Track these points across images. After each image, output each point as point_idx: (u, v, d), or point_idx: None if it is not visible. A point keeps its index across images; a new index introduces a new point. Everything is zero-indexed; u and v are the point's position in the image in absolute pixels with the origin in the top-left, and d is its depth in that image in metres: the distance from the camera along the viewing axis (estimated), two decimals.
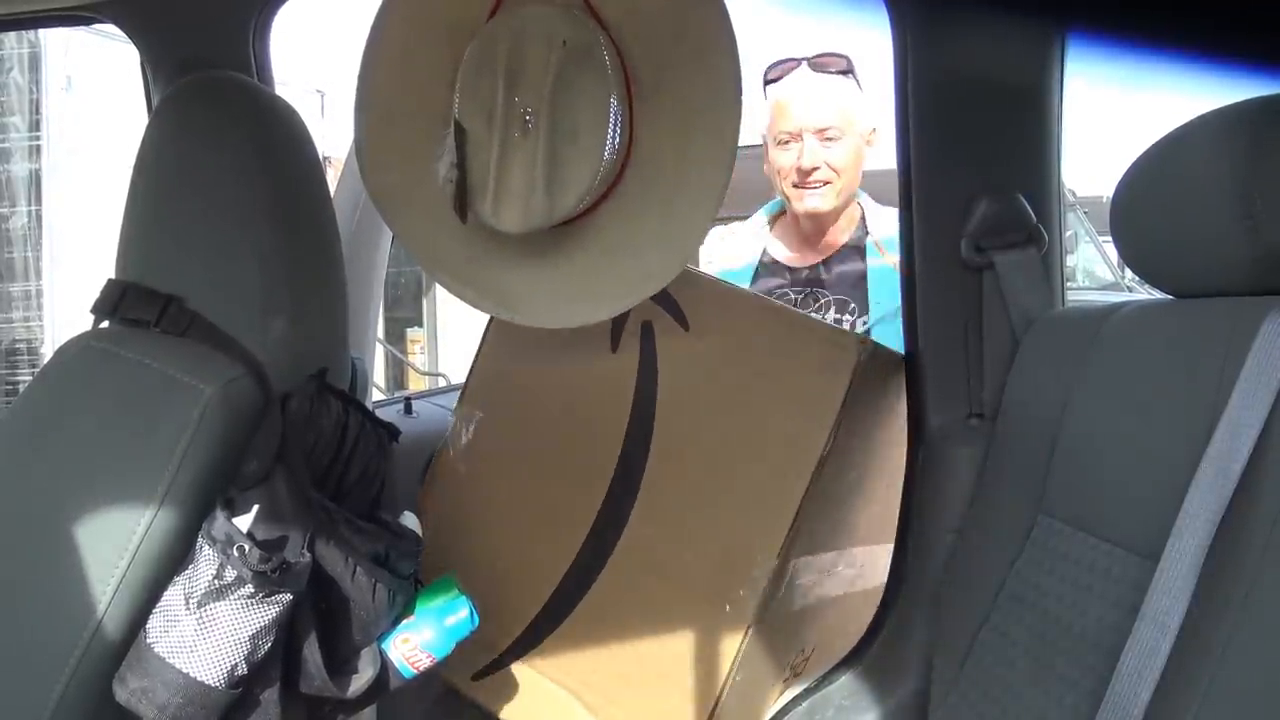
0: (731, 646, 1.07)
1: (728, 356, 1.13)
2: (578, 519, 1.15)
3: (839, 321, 1.61)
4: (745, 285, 1.63)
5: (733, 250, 1.73)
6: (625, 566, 1.12)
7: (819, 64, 1.61)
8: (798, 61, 1.62)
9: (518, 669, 1.16)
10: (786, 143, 1.61)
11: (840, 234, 1.66)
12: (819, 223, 1.64)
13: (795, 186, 1.61)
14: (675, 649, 1.10)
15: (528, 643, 1.16)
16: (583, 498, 1.15)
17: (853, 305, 1.63)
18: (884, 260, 1.61)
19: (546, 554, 1.16)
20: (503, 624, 1.15)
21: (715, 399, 1.13)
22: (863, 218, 1.66)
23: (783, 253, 1.70)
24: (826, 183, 1.60)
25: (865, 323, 1.61)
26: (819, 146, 1.58)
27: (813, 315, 1.54)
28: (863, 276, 1.64)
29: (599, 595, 1.13)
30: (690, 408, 1.13)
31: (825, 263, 1.66)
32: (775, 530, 1.06)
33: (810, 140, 1.58)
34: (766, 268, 1.70)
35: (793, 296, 1.65)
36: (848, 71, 1.61)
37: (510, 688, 1.16)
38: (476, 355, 1.25)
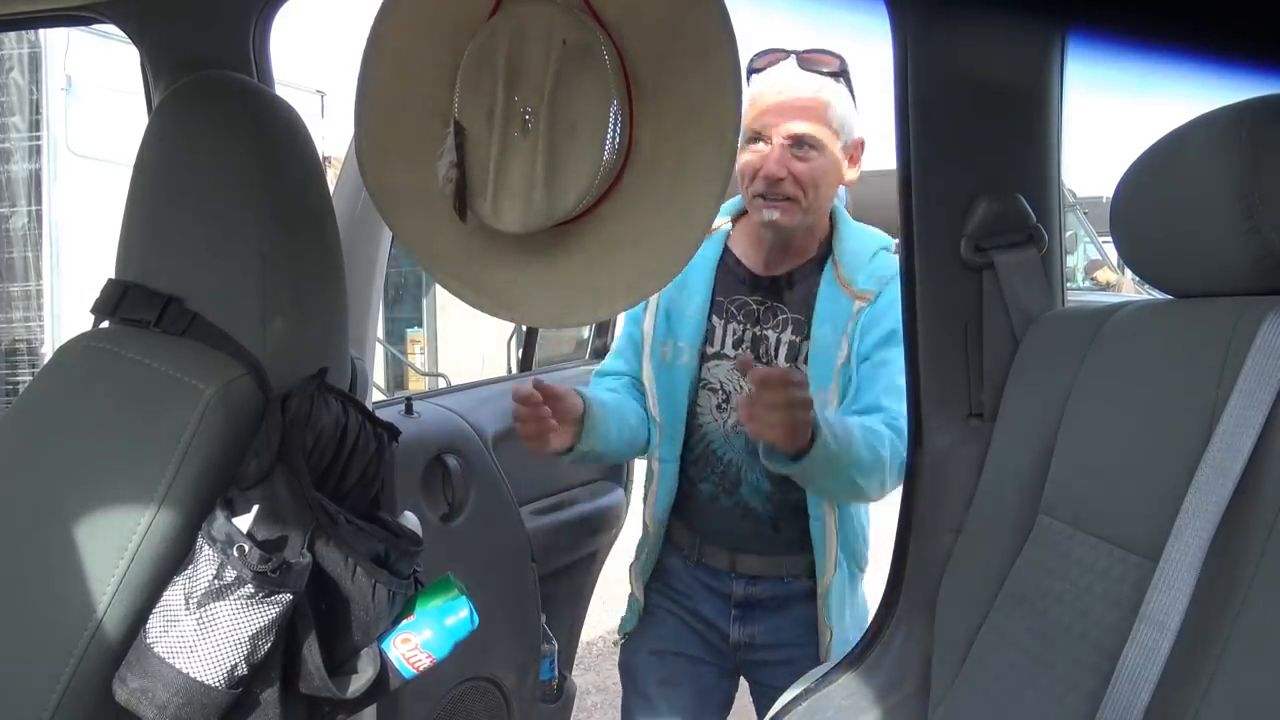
0: None
1: None
2: None
3: (792, 344, 1.47)
4: (702, 283, 1.50)
5: None
6: None
7: (808, 60, 1.40)
8: (786, 53, 1.42)
9: None
10: (755, 141, 1.41)
11: (805, 248, 1.49)
12: (779, 236, 1.45)
13: (756, 195, 1.42)
14: None
15: None
16: None
17: (808, 329, 1.46)
18: (840, 289, 1.44)
19: None
20: None
21: None
22: (829, 236, 1.49)
23: (746, 254, 1.52)
24: (791, 199, 1.40)
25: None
26: (789, 156, 1.39)
27: (768, 332, 1.46)
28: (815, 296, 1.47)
29: None
30: None
31: (788, 275, 1.49)
32: None
33: (780, 147, 1.39)
34: (728, 268, 1.51)
35: (754, 307, 1.49)
36: (840, 74, 1.41)
37: None
38: None
